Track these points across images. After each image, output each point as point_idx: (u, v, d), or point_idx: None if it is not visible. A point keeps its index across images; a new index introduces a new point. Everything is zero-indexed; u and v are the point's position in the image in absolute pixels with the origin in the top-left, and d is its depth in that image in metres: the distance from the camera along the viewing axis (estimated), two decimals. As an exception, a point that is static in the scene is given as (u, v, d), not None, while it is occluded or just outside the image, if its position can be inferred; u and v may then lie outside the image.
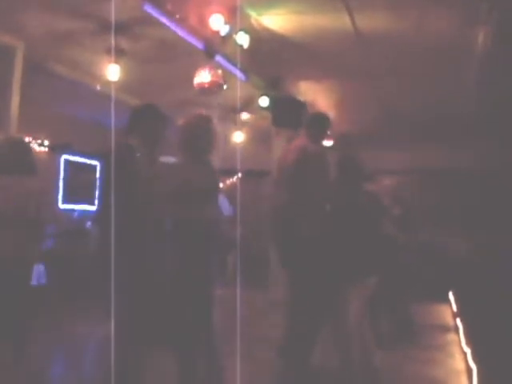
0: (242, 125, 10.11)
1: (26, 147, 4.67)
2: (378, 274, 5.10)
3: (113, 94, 6.23)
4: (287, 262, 5.41)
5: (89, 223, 10.40)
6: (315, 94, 9.20)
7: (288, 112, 7.96)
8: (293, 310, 5.42)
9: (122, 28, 6.12)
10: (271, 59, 7.39)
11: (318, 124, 5.72)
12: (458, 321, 7.63)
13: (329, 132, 5.88)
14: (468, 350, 5.84)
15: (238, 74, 7.16)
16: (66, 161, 11.00)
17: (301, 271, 5.20)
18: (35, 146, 10.02)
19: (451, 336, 7.29)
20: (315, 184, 5.16)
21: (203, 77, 6.15)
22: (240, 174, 11.56)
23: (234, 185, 11.90)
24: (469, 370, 5.31)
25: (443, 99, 9.28)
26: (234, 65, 6.93)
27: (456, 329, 7.46)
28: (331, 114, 9.84)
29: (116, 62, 6.55)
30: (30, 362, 5.46)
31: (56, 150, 10.55)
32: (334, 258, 4.96)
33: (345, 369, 4.95)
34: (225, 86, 6.28)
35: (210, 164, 4.11)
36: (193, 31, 5.97)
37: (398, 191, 7.21)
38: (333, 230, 5.05)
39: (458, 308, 8.61)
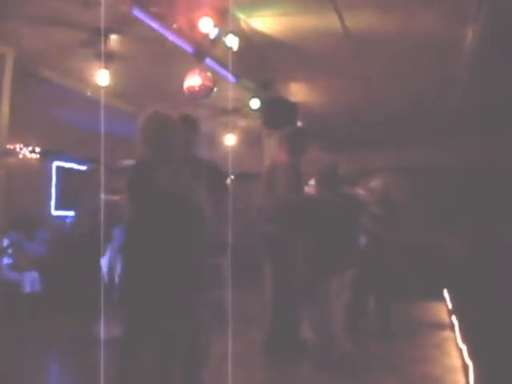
0: (234, 127, 10.11)
1: None
2: (355, 267, 5.72)
3: (103, 99, 6.21)
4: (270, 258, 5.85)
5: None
6: (306, 95, 9.22)
7: (279, 113, 8.03)
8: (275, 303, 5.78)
9: (111, 33, 6.12)
10: (261, 61, 7.40)
11: (298, 139, 6.04)
12: (454, 318, 7.65)
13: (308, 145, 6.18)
14: (464, 347, 5.86)
15: (229, 76, 7.16)
16: (58, 167, 10.97)
17: (282, 267, 5.57)
18: (26, 153, 10.00)
19: (447, 333, 7.32)
20: (281, 192, 5.74)
21: (193, 80, 6.15)
22: (232, 177, 11.55)
23: None
24: (465, 367, 5.33)
25: (433, 97, 9.31)
26: (224, 67, 6.92)
27: (451, 326, 7.48)
28: (322, 113, 9.96)
29: (106, 67, 6.54)
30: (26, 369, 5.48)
31: (47, 156, 10.53)
32: (311, 254, 5.56)
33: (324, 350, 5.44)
34: (215, 89, 6.28)
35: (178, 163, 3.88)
36: (182, 34, 5.96)
37: (385, 192, 7.24)
38: (312, 228, 5.63)
39: (453, 305, 8.64)
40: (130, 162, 6.41)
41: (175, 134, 3.76)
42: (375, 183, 7.20)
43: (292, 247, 5.76)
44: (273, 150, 9.49)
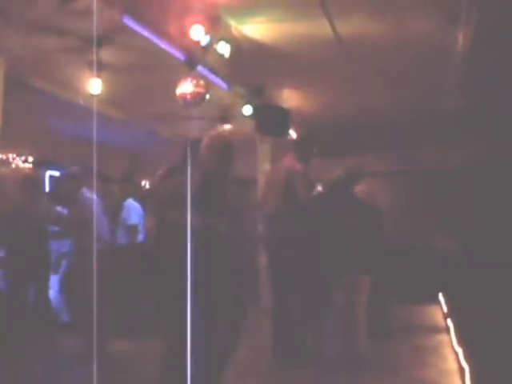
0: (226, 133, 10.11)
1: None
2: (367, 272, 6.04)
3: (95, 107, 6.21)
4: (276, 265, 5.94)
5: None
6: (298, 101, 9.23)
7: (271, 120, 8.07)
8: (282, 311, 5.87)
9: (103, 41, 6.12)
10: (253, 68, 7.41)
11: (306, 144, 6.22)
12: (449, 321, 7.66)
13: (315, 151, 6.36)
14: (460, 350, 5.87)
15: (221, 83, 7.17)
16: (51, 177, 10.95)
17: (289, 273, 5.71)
18: (19, 163, 9.98)
19: (442, 336, 7.32)
20: (302, 199, 5.94)
21: (185, 87, 6.16)
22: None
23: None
24: (461, 370, 5.34)
25: (426, 101, 9.34)
26: (216, 74, 6.94)
27: (447, 329, 7.49)
28: (315, 119, 9.98)
29: (98, 76, 6.53)
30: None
31: (40, 165, 10.51)
32: (322, 259, 5.82)
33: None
34: (207, 96, 6.30)
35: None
36: (173, 42, 5.97)
37: (369, 197, 7.31)
38: (323, 234, 5.88)
39: (448, 308, 8.65)
40: (76, 168, 6.44)
41: (234, 153, 4.38)
42: (359, 188, 7.26)
43: (305, 251, 5.85)
44: (268, 157, 9.58)
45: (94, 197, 6.38)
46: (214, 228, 4.13)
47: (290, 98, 8.96)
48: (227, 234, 4.16)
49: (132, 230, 7.96)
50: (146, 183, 11.97)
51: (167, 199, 4.21)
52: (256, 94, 8.04)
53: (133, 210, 8.06)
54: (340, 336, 5.87)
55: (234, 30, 6.50)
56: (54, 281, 7.24)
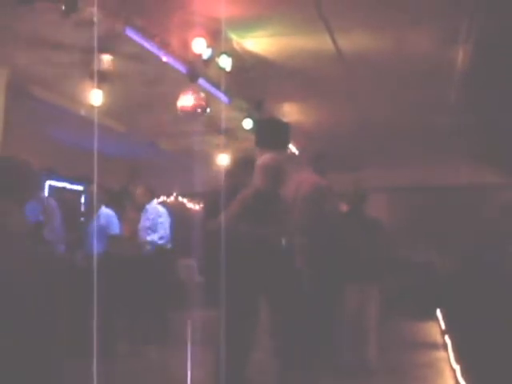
0: (226, 147, 10.12)
1: None
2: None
3: (96, 118, 6.22)
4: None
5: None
6: (299, 115, 9.25)
7: (272, 134, 8.06)
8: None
9: (104, 52, 6.14)
10: (254, 82, 7.43)
11: (324, 160, 6.51)
12: (447, 338, 7.64)
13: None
14: (457, 367, 5.85)
15: (221, 96, 7.19)
16: (51, 187, 10.93)
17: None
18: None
19: (440, 353, 7.29)
20: (329, 213, 6.14)
21: (186, 100, 6.18)
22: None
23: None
24: (458, 387, 5.32)
25: (426, 116, 9.36)
26: (217, 88, 6.96)
27: (445, 346, 7.46)
28: (315, 133, 10.00)
29: (99, 87, 6.55)
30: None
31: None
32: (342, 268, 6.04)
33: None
34: (208, 110, 6.31)
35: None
36: (175, 55, 6.00)
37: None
38: (341, 246, 6.13)
39: (446, 325, 8.62)
40: None
41: (285, 174, 4.88)
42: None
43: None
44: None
45: (54, 203, 6.23)
46: (264, 236, 4.55)
47: (290, 112, 8.98)
48: (276, 241, 4.64)
49: (112, 240, 7.79)
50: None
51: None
52: (256, 108, 8.06)
53: (110, 219, 7.87)
54: (351, 346, 6.04)
55: (235, 44, 6.53)
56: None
